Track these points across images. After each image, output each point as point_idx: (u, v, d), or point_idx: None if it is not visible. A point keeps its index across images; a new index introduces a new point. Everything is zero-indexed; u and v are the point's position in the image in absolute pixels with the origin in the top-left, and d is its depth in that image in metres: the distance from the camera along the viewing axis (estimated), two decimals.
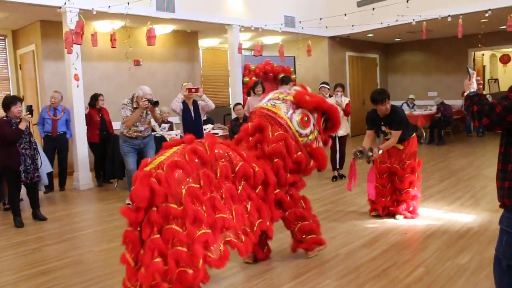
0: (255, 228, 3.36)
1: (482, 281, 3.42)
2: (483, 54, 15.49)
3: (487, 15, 8.76)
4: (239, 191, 3.33)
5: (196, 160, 3.11)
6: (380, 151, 4.86)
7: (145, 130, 6.21)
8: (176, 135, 7.81)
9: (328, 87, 7.38)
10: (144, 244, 2.93)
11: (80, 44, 6.56)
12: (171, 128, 8.64)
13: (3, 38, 9.18)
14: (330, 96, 7.21)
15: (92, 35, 7.15)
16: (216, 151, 3.27)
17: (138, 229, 3.02)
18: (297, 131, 3.73)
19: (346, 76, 13.37)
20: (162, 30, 9.66)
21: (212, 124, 8.49)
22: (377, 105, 4.88)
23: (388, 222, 5.00)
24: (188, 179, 3.02)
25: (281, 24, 10.09)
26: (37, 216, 5.67)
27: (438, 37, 13.14)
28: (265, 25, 9.85)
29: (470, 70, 2.67)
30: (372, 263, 3.84)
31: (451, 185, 6.64)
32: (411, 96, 12.42)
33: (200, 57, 12.07)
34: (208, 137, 3.38)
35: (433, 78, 14.05)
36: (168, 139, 7.13)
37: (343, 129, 7.21)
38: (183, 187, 2.97)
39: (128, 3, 7.04)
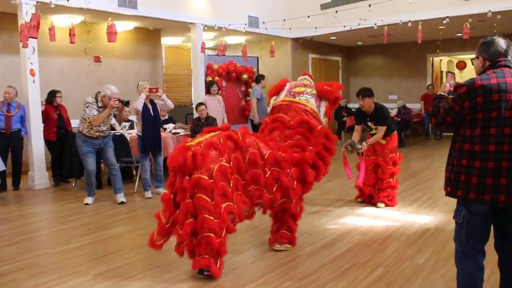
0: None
1: (439, 280, 3.51)
2: (441, 60, 15.98)
3: (444, 22, 9.05)
4: (266, 175, 3.79)
5: (230, 144, 3.63)
6: (368, 144, 5.50)
7: (106, 130, 6.11)
8: (137, 133, 7.64)
9: None
10: (179, 207, 3.49)
11: (35, 38, 6.30)
12: (131, 127, 8.45)
13: None
14: None
15: (49, 29, 6.91)
16: (247, 140, 3.75)
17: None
18: (321, 121, 4.31)
19: None
20: (123, 27, 9.45)
21: (174, 123, 8.37)
22: (360, 99, 5.46)
23: (348, 223, 5.07)
24: (221, 158, 3.52)
25: (245, 24, 10.06)
26: None
27: (399, 42, 13.48)
28: (229, 25, 9.81)
29: (448, 75, 2.92)
30: (332, 264, 3.87)
31: (410, 187, 6.80)
32: None
33: (163, 55, 11.90)
34: (241, 128, 3.88)
35: (393, 82, 14.40)
36: (128, 138, 6.97)
37: None
38: (216, 164, 3.47)
39: None
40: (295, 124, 4.13)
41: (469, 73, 15.46)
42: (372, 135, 5.57)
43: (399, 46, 13.93)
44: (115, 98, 5.80)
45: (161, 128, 8.00)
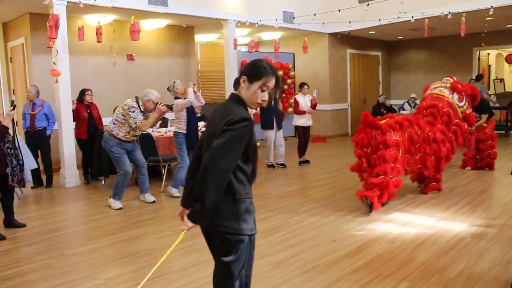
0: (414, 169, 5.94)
1: None
2: (488, 54, 15.15)
3: (490, 13, 8.47)
4: (416, 146, 5.72)
5: (396, 126, 5.46)
6: (473, 128, 7.37)
7: (140, 133, 6.02)
8: (166, 132, 7.59)
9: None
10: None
11: (54, 38, 6.31)
12: (163, 125, 8.43)
13: None
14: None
15: (79, 28, 6.95)
16: (415, 121, 5.76)
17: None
18: (457, 104, 6.21)
19: (347, 73, 13.09)
20: (156, 25, 9.43)
21: (205, 121, 8.27)
22: None
23: (376, 229, 4.76)
24: (395, 134, 5.39)
25: (275, 20, 9.80)
26: (12, 224, 5.13)
27: (442, 35, 12.82)
28: (260, 21, 9.60)
29: None
30: (353, 276, 3.60)
31: (447, 190, 6.36)
32: (412, 95, 12.11)
33: (198, 52, 11.85)
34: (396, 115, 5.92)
35: (436, 77, 13.53)
36: (154, 137, 6.89)
37: (310, 120, 8.64)
38: (392, 137, 5.33)
39: None
40: (426, 106, 6.18)
41: None
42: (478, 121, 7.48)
43: (442, 39, 13.26)
44: (161, 102, 5.77)
45: None
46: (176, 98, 6.28)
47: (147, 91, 5.87)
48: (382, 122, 5.45)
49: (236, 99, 2.23)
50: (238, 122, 2.06)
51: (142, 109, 5.79)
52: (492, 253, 3.99)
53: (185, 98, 6.27)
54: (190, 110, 6.30)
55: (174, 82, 6.39)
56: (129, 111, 5.69)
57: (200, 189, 2.04)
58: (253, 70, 2.22)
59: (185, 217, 2.12)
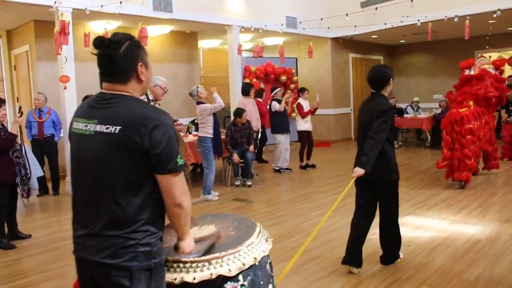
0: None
1: None
2: (490, 56, 15.13)
3: (495, 15, 8.49)
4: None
5: (476, 114, 6.66)
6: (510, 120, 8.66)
7: None
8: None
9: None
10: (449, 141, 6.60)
11: (65, 45, 6.31)
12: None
13: None
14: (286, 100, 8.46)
15: (85, 35, 6.93)
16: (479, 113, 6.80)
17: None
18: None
19: (349, 77, 13.09)
20: (160, 31, 9.43)
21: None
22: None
23: None
24: (472, 122, 6.51)
25: (281, 25, 9.82)
26: (17, 236, 4.95)
27: (444, 38, 12.85)
28: (265, 26, 9.60)
29: None
30: (371, 280, 3.57)
31: (457, 193, 6.35)
32: (415, 99, 12.13)
33: (201, 58, 11.84)
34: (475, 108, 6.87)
35: (438, 81, 13.75)
36: None
37: (311, 125, 8.71)
38: (472, 125, 6.49)
39: (120, 2, 6.81)
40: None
41: None
42: None
43: (444, 43, 13.28)
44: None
45: None
46: (199, 103, 6.27)
47: (154, 77, 5.77)
48: (463, 111, 6.54)
49: (382, 95, 3.60)
50: (388, 110, 3.43)
51: (151, 98, 5.72)
52: (510, 255, 3.96)
53: (209, 103, 6.40)
54: (215, 115, 6.36)
55: (198, 87, 6.41)
56: None
57: (367, 149, 3.38)
58: (393, 73, 3.67)
59: (356, 168, 3.42)
